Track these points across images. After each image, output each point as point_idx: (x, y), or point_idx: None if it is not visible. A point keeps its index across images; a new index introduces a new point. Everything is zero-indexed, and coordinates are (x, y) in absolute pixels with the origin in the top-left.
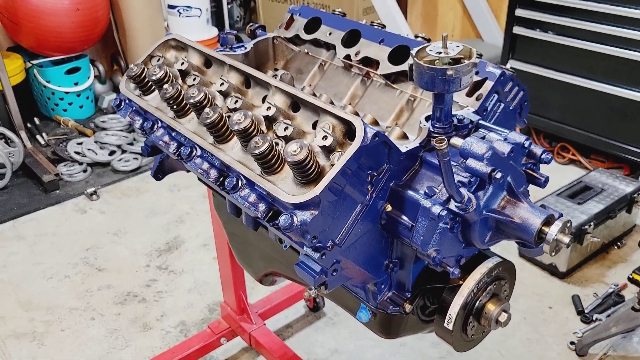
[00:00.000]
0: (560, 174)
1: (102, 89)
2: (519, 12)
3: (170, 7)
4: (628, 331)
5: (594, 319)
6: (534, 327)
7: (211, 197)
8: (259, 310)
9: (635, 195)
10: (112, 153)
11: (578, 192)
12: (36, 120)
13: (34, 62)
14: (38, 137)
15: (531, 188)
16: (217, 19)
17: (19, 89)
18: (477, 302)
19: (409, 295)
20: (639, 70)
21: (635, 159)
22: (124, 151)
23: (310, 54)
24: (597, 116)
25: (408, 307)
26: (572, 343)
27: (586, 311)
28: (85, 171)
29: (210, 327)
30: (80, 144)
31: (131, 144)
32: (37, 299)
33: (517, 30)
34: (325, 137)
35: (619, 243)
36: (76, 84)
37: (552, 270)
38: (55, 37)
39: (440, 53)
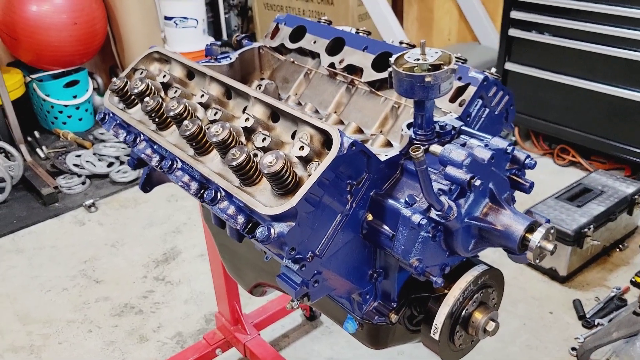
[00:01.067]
0: (560, 176)
1: (101, 102)
2: (514, 14)
3: (166, 18)
4: (630, 336)
5: (595, 323)
6: (534, 333)
7: (201, 208)
8: (254, 321)
9: (636, 196)
10: (110, 165)
11: (577, 195)
12: (36, 133)
13: (34, 76)
14: (38, 150)
15: (531, 192)
16: (214, 28)
17: (19, 103)
18: (464, 311)
19: (394, 305)
20: (637, 70)
21: (636, 159)
22: (122, 162)
23: (296, 62)
24: (597, 117)
25: (394, 318)
26: (573, 349)
27: (588, 316)
28: (84, 183)
29: (206, 338)
30: (79, 156)
31: (129, 155)
32: (35, 312)
33: (513, 32)
34: (302, 148)
35: (620, 245)
36: (75, 97)
37: (552, 274)
38: (54, 52)
39: (418, 60)
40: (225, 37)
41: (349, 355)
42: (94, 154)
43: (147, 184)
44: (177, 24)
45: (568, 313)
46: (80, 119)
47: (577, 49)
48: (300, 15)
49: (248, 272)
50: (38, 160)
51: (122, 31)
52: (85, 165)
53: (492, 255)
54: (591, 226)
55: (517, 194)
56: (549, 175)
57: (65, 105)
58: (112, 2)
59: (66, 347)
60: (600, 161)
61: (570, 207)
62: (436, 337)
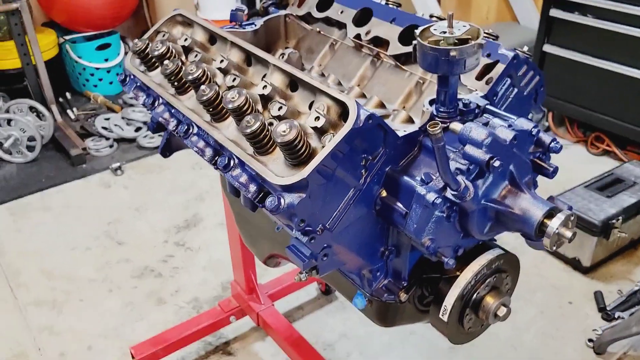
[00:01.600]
0: (592, 165)
1: None
2: None
3: None
4: None
5: (615, 316)
6: (551, 321)
7: (221, 176)
8: (269, 291)
9: None
10: (138, 129)
11: (608, 185)
12: (68, 95)
13: (67, 37)
14: (68, 111)
15: (557, 181)
16: None
17: (52, 64)
18: (475, 294)
19: (405, 284)
20: None
21: None
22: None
23: (322, 32)
24: (636, 106)
25: (403, 296)
26: (590, 340)
27: (608, 308)
28: (111, 146)
29: (221, 305)
30: (108, 119)
31: None
32: (59, 268)
33: (554, 12)
34: (317, 118)
35: None
36: (106, 60)
37: (575, 264)
38: (86, 13)
39: (444, 33)
40: (257, 4)
41: (362, 332)
42: (123, 118)
43: (167, 149)
44: None
45: (588, 304)
46: (110, 83)
47: (620, 32)
48: None
49: (262, 242)
50: (68, 121)
51: None
52: (113, 129)
53: (514, 242)
54: (620, 217)
55: (546, 182)
56: (581, 164)
57: (97, 68)
58: None
59: (87, 305)
60: (637, 152)
61: (599, 197)
62: (445, 318)
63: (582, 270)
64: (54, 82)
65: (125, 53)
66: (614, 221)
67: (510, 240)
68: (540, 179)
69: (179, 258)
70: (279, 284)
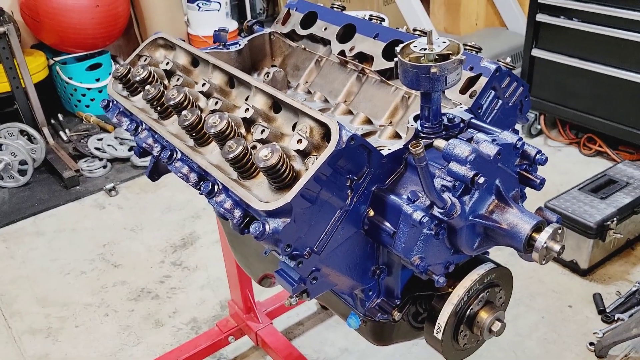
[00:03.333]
0: (585, 166)
1: None
2: None
3: (189, 1)
4: None
5: (615, 318)
6: (552, 326)
7: None
8: (267, 309)
9: None
10: (131, 148)
11: (602, 186)
12: (60, 116)
13: (57, 59)
14: (61, 133)
15: (551, 184)
16: (239, 11)
17: (42, 86)
18: (469, 310)
19: (398, 303)
20: None
21: None
22: None
23: (307, 49)
24: (626, 106)
25: (397, 315)
26: (591, 344)
27: (607, 310)
28: (105, 167)
29: (219, 325)
30: (101, 139)
31: None
32: (54, 294)
33: (541, 17)
34: (299, 141)
35: None
36: (98, 79)
37: (573, 267)
38: (76, 34)
39: (424, 49)
40: (252, 19)
41: (364, 346)
42: (116, 137)
43: (154, 173)
44: (200, 7)
45: (588, 307)
46: None
47: (606, 35)
48: None
49: (255, 263)
50: (61, 143)
51: (145, 14)
52: (106, 149)
53: (508, 249)
54: (614, 219)
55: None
56: (575, 165)
57: (88, 89)
58: None
59: (83, 330)
60: (629, 151)
61: (594, 199)
62: (439, 336)
63: (580, 272)
64: (45, 104)
65: None
66: (609, 222)
67: (505, 249)
68: None
69: (176, 278)
70: (277, 301)
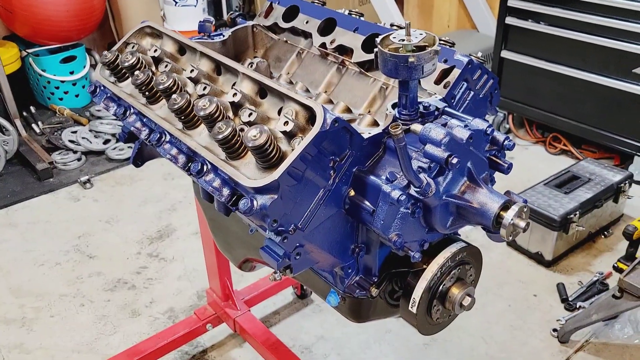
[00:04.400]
0: (551, 163)
1: None
2: (512, 3)
3: None
4: (609, 318)
5: (577, 306)
6: (518, 314)
7: (193, 183)
8: (245, 297)
9: (622, 184)
10: (106, 142)
11: (565, 182)
12: (32, 108)
13: (30, 50)
14: (34, 125)
15: (518, 180)
16: (215, 8)
17: (15, 78)
18: (441, 285)
19: (375, 280)
20: (630, 61)
21: (625, 149)
22: (118, 140)
23: (288, 42)
24: (589, 107)
25: (374, 291)
26: (554, 330)
27: (570, 299)
28: (79, 160)
29: (196, 313)
30: (75, 132)
31: None
32: (28, 285)
33: (510, 20)
34: (286, 123)
35: (605, 232)
36: (72, 72)
37: (538, 258)
38: (50, 26)
39: (403, 40)
40: (225, 16)
41: (339, 334)
42: (90, 130)
43: (138, 158)
44: (176, 2)
45: (552, 296)
46: (76, 95)
47: (571, 38)
48: None
49: (237, 247)
50: (33, 135)
51: (120, 7)
52: (81, 142)
53: (482, 239)
54: (577, 212)
55: (510, 180)
56: (541, 163)
57: (62, 81)
58: None
59: (58, 320)
60: (591, 150)
61: (558, 194)
62: (414, 310)
63: (545, 264)
64: (17, 96)
65: (91, 65)
66: (572, 216)
67: (478, 237)
68: (504, 177)
69: (152, 269)
70: (255, 290)
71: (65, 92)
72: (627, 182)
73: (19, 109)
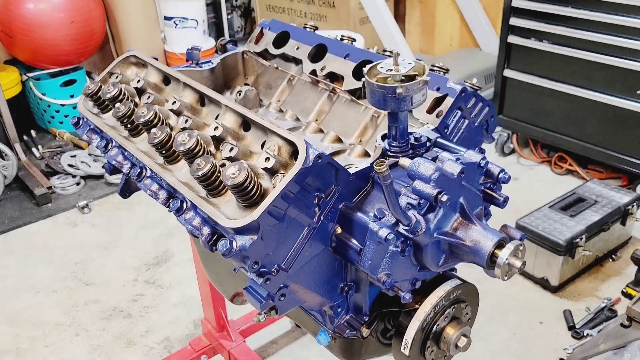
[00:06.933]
0: (556, 184)
1: None
2: (514, 21)
3: (166, 18)
4: (618, 348)
5: (585, 334)
6: (523, 343)
7: None
8: (240, 327)
9: (630, 206)
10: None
11: (571, 204)
12: (33, 132)
13: (30, 74)
14: (34, 149)
15: (523, 201)
16: (217, 29)
17: (15, 102)
18: (435, 326)
19: (366, 319)
20: (635, 80)
21: (632, 169)
22: None
23: (279, 68)
24: (595, 126)
25: (365, 332)
26: (561, 359)
27: (577, 326)
28: (78, 184)
29: (191, 344)
30: (74, 156)
31: None
32: (23, 313)
33: (512, 39)
34: (267, 159)
35: (613, 256)
36: (72, 96)
37: (543, 284)
38: (51, 50)
39: (391, 70)
40: (227, 37)
41: None
42: (90, 154)
43: (126, 190)
44: (176, 25)
45: (558, 323)
46: None
47: (575, 57)
48: (302, 17)
49: (227, 281)
50: (33, 159)
51: (120, 31)
52: (80, 166)
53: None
54: (583, 236)
55: (515, 202)
56: (546, 184)
57: (62, 105)
58: (111, 1)
59: (52, 351)
60: (598, 170)
61: (563, 217)
62: (406, 352)
63: (551, 289)
64: (17, 120)
65: None
66: (578, 240)
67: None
68: (509, 199)
69: (149, 297)
70: (251, 320)
71: (65, 116)
72: (635, 203)
73: (19, 132)
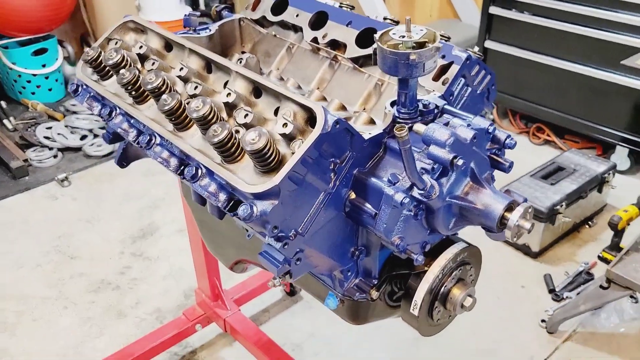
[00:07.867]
0: (535, 154)
1: (72, 71)
2: None
3: None
4: (596, 308)
5: (564, 297)
6: (506, 306)
7: (180, 184)
8: (234, 296)
9: (606, 175)
10: (83, 137)
11: (551, 173)
12: (3, 103)
13: None
14: (5, 121)
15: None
16: None
17: None
18: (443, 287)
19: (375, 282)
20: (612, 51)
21: (607, 139)
22: (95, 135)
23: (278, 36)
24: (572, 97)
25: (374, 294)
26: (543, 321)
27: (557, 290)
28: (55, 156)
29: (185, 313)
30: (50, 128)
31: (103, 128)
32: (8, 288)
33: (494, 10)
34: (285, 125)
35: (590, 222)
36: (44, 65)
37: (525, 250)
38: (20, 16)
39: (403, 37)
40: (202, 7)
41: (329, 331)
42: (66, 126)
43: (124, 159)
44: None
45: (539, 287)
46: (50, 89)
47: (555, 28)
48: None
49: (229, 249)
50: (5, 131)
51: None
52: (56, 138)
53: (470, 233)
54: (563, 204)
55: (496, 172)
56: (525, 154)
57: (34, 75)
58: None
59: (41, 324)
60: (574, 140)
61: (544, 185)
62: (415, 312)
63: (532, 255)
64: None
65: (64, 58)
66: (558, 207)
67: (465, 231)
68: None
69: (137, 269)
70: (244, 289)
71: (38, 86)
72: (610, 172)
73: None
